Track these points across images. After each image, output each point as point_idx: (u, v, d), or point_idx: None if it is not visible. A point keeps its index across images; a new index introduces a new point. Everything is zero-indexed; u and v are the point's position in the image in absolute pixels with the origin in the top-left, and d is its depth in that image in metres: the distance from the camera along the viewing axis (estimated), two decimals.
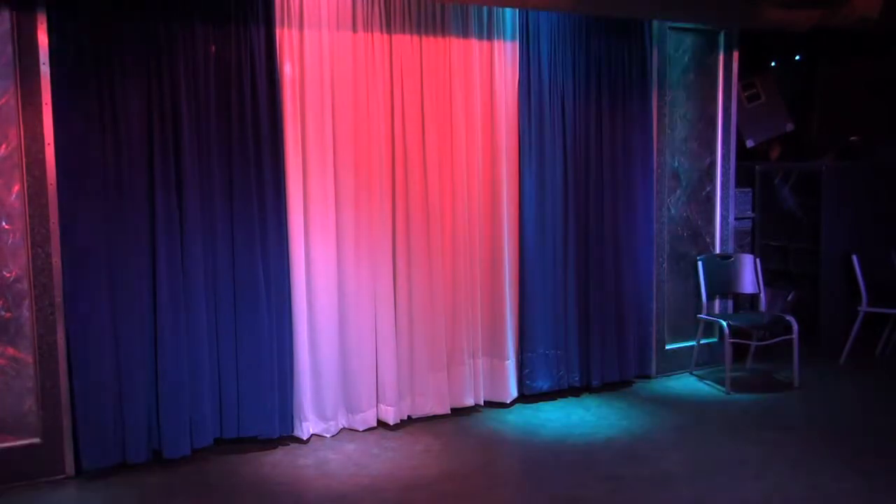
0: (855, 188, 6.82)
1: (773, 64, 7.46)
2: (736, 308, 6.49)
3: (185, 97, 4.47)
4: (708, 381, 6.03)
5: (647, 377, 6.07)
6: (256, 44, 4.62)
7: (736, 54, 6.23)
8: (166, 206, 4.46)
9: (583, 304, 5.72)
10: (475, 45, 5.26)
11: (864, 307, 6.30)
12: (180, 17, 4.45)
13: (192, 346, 4.56)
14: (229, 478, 4.40)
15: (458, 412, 5.33)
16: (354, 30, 4.90)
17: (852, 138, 7.27)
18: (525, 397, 5.57)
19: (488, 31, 5.30)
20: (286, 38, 4.73)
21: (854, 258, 6.36)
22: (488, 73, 5.34)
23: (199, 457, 4.60)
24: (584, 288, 5.73)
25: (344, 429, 5.05)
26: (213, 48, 4.56)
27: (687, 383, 6.03)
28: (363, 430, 5.05)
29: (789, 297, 6.82)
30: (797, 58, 7.59)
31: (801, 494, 4.06)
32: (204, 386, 4.60)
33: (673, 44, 6.04)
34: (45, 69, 4.17)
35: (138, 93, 4.38)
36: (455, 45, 5.19)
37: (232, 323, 4.69)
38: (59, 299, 4.27)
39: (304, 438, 4.88)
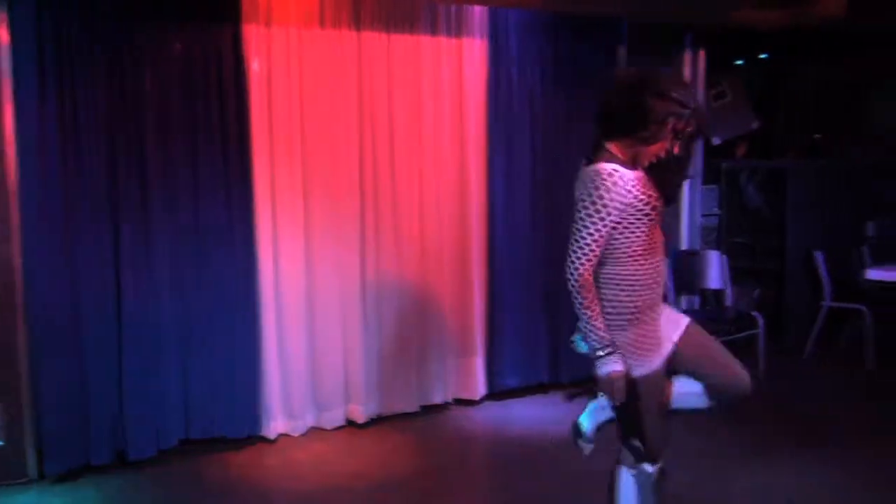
0: (819, 186, 6.90)
1: (739, 62, 7.52)
2: (702, 304, 6.55)
3: (150, 94, 4.41)
4: (675, 376, 6.06)
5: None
6: (223, 40, 4.57)
7: (703, 52, 6.28)
8: (131, 204, 4.40)
9: (552, 301, 5.73)
10: (444, 43, 5.24)
11: (826, 302, 6.38)
12: (145, 14, 4.38)
13: (157, 346, 4.50)
14: (195, 479, 4.36)
15: (427, 410, 5.32)
16: (322, 26, 4.86)
17: (816, 136, 7.36)
18: (494, 394, 5.57)
19: (457, 29, 5.28)
20: (253, 35, 4.68)
21: (817, 255, 6.43)
22: (457, 71, 5.32)
23: (165, 458, 4.54)
24: (554, 285, 5.73)
25: (312, 428, 5.02)
26: (179, 45, 4.50)
27: None
28: (332, 429, 5.02)
29: (754, 294, 6.89)
30: (763, 56, 7.66)
31: (766, 486, 4.10)
32: (170, 386, 4.55)
33: (642, 41, 6.04)
34: (5, 67, 4.08)
35: (102, 90, 4.31)
36: (424, 42, 5.16)
37: (198, 322, 4.64)
38: (20, 300, 4.19)
39: (272, 438, 4.84)
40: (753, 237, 7.07)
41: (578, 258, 2.83)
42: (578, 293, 2.84)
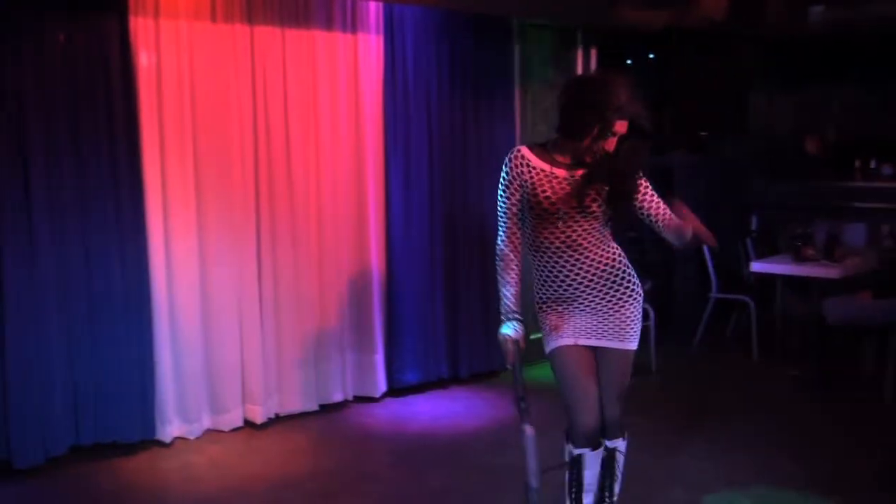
0: (704, 182, 7.15)
1: (628, 62, 7.73)
2: None
3: (31, 91, 4.22)
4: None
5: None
6: (109, 33, 4.42)
7: (594, 51, 6.43)
8: (11, 205, 4.21)
9: (450, 296, 5.78)
10: (340, 39, 5.21)
11: (714, 294, 6.63)
12: (24, 3, 4.20)
13: (43, 348, 4.32)
14: (87, 487, 4.21)
15: (327, 408, 5.29)
16: (214, 20, 4.75)
17: (701, 134, 7.63)
18: (394, 391, 5.58)
19: (353, 25, 5.26)
20: (141, 28, 4.55)
21: (704, 248, 6.66)
22: (353, 68, 5.30)
23: (54, 466, 4.36)
24: (452, 280, 5.79)
25: (209, 430, 4.92)
26: (62, 37, 4.33)
27: (550, 371, 6.17)
28: (229, 431, 4.93)
29: (646, 286, 7.09)
30: (651, 56, 7.91)
31: (660, 475, 4.23)
32: (57, 389, 4.38)
33: (535, 40, 6.16)
34: None
35: None
36: (319, 38, 5.13)
37: (88, 323, 4.48)
38: None
39: (167, 442, 4.71)
40: (645, 232, 7.26)
41: (498, 231, 3.16)
42: (496, 263, 3.18)
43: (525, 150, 3.10)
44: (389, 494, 4.13)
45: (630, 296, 3.17)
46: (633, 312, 3.18)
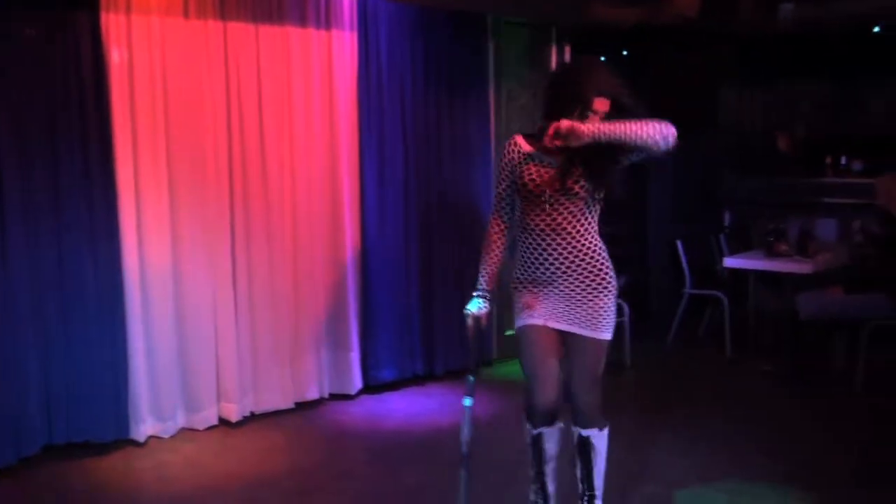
0: (678, 177, 7.20)
1: (602, 59, 7.76)
2: None
3: (2, 88, 4.17)
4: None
5: (489, 363, 6.19)
6: (80, 29, 4.37)
7: (568, 48, 6.45)
8: None
9: (425, 292, 5.78)
10: (313, 35, 5.19)
11: (687, 290, 6.67)
12: None
13: (16, 347, 4.28)
14: (59, 488, 4.17)
15: (302, 406, 5.27)
16: (186, 16, 4.72)
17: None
18: (370, 388, 5.57)
19: (327, 21, 5.24)
20: (112, 24, 4.50)
21: (678, 244, 6.71)
22: (327, 64, 5.28)
23: (26, 466, 4.32)
24: (427, 277, 5.79)
25: (183, 429, 4.89)
26: (33, 31, 4.27)
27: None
28: (204, 430, 4.90)
29: (622, 282, 7.12)
30: (624, 53, 7.93)
31: (634, 470, 4.25)
32: (30, 388, 4.33)
33: (509, 37, 6.17)
34: None
35: None
36: (293, 34, 5.10)
37: (61, 323, 4.44)
38: None
39: (141, 441, 4.68)
40: (619, 227, 7.30)
41: (491, 211, 3.33)
42: (484, 240, 3.34)
43: (518, 137, 3.24)
44: (365, 492, 4.13)
45: (605, 288, 3.22)
46: (605, 303, 3.23)
